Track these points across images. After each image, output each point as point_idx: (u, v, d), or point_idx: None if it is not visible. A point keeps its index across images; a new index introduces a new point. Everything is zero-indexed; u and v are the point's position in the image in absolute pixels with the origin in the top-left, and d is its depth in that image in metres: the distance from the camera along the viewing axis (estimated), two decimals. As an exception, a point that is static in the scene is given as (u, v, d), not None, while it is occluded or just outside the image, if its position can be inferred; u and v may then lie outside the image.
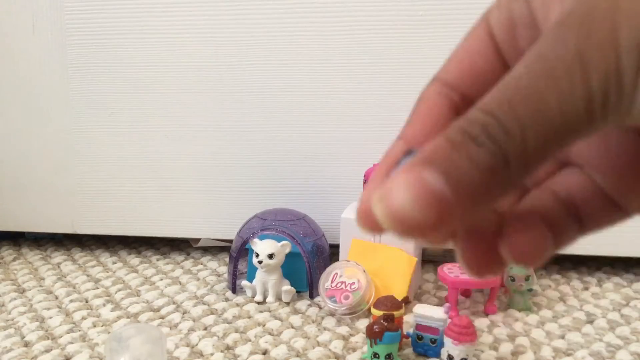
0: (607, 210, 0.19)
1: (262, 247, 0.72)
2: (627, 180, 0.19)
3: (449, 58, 0.20)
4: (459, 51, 0.20)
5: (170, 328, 0.67)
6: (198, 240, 0.94)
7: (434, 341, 0.59)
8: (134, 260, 0.90)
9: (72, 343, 0.63)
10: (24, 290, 0.79)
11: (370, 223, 0.18)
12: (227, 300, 0.75)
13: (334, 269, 0.71)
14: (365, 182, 0.76)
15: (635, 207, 0.19)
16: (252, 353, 0.61)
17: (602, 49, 0.15)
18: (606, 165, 0.19)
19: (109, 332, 0.66)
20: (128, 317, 0.70)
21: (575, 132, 0.15)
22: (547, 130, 0.15)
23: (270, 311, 0.72)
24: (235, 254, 0.77)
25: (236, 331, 0.66)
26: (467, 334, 0.56)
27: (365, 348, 0.61)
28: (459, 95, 0.19)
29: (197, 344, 0.63)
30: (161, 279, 0.82)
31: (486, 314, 0.71)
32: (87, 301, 0.75)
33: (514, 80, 0.15)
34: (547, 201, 0.19)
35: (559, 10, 0.17)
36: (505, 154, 0.15)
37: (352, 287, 0.69)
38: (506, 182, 0.15)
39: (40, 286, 0.80)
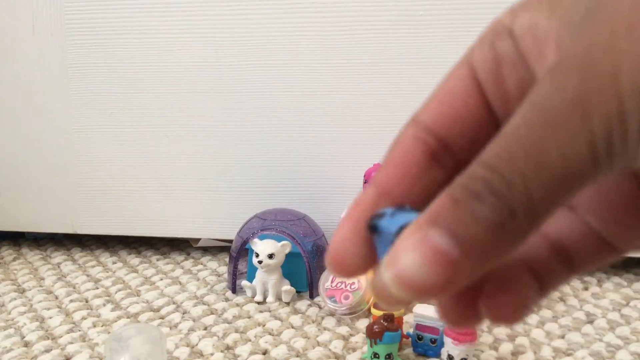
0: (599, 250, 0.19)
1: (262, 247, 0.72)
2: (622, 222, 0.18)
3: (428, 98, 0.19)
4: (439, 92, 0.19)
5: (170, 328, 0.67)
6: (198, 240, 0.94)
7: (434, 341, 0.59)
8: (134, 260, 0.90)
9: (72, 343, 0.63)
10: (24, 290, 0.79)
11: (342, 267, 0.18)
12: (227, 300, 0.75)
13: (334, 269, 0.71)
14: (365, 182, 0.76)
15: (630, 246, 0.19)
16: (252, 353, 0.61)
17: (602, 94, 0.14)
18: (600, 208, 0.18)
19: (109, 332, 0.66)
20: (128, 317, 0.70)
21: (581, 180, 0.15)
22: (552, 181, 0.14)
23: (270, 311, 0.72)
24: (235, 254, 0.77)
25: (236, 331, 0.66)
26: (467, 334, 0.56)
27: (365, 348, 0.61)
28: (435, 140, 0.18)
29: (197, 344, 0.63)
30: (161, 279, 0.82)
31: (486, 314, 0.71)
32: (87, 301, 0.75)
33: (512, 131, 0.15)
34: (534, 247, 0.19)
35: (554, 52, 0.16)
36: (510, 208, 0.15)
37: (352, 287, 0.69)
38: (515, 237, 0.15)
39: (40, 286, 0.80)
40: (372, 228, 0.17)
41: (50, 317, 0.69)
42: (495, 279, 0.17)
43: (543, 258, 0.18)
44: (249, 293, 0.76)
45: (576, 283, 0.81)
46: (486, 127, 0.18)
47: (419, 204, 0.17)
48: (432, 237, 0.15)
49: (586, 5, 0.16)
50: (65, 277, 0.83)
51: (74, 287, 0.79)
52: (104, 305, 0.73)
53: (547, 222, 0.15)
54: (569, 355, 0.61)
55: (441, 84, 0.19)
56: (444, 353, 0.58)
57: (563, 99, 0.14)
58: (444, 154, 0.18)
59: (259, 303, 0.74)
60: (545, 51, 0.17)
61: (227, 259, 0.90)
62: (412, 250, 0.15)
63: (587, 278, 0.83)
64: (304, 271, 0.75)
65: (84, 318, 0.69)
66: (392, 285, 0.15)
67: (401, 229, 0.16)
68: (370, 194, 0.18)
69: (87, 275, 0.84)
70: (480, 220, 0.15)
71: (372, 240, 0.18)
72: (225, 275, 0.83)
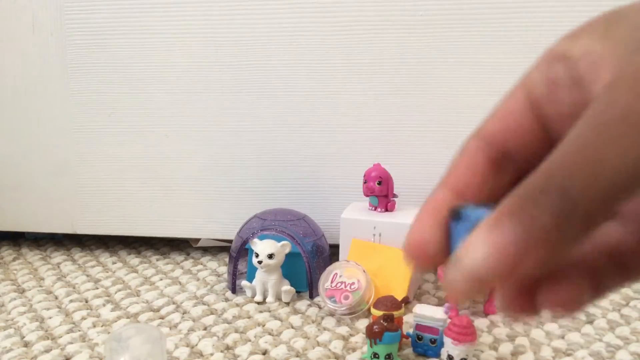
0: None
1: (262, 247, 0.72)
2: None
3: (488, 116, 0.22)
4: (498, 111, 0.21)
5: (170, 328, 0.67)
6: (198, 240, 0.94)
7: (433, 341, 0.59)
8: (133, 260, 0.90)
9: (71, 343, 0.63)
10: (23, 290, 0.79)
11: (421, 255, 0.20)
12: (227, 300, 0.75)
13: (333, 269, 0.71)
14: (365, 182, 0.76)
15: None
16: (252, 353, 0.61)
17: None
18: None
19: (108, 332, 0.66)
20: (128, 317, 0.70)
21: (630, 190, 0.16)
22: (603, 189, 0.16)
23: (270, 311, 0.72)
24: (235, 254, 0.77)
25: (236, 331, 0.66)
26: (467, 334, 0.56)
27: (365, 348, 0.61)
28: (496, 150, 0.21)
29: (197, 344, 0.63)
30: (161, 279, 0.82)
31: (486, 314, 0.71)
32: (87, 301, 0.75)
33: (569, 142, 0.17)
34: (587, 250, 0.20)
35: (609, 73, 0.18)
36: (565, 211, 0.16)
37: (352, 287, 0.69)
38: (570, 237, 0.17)
39: (40, 286, 0.80)
40: (455, 214, 0.20)
41: (50, 317, 0.69)
42: (553, 273, 0.19)
43: (596, 262, 0.20)
44: (248, 293, 0.76)
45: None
46: (541, 143, 0.21)
47: (490, 204, 0.20)
48: (500, 231, 0.17)
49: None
50: (65, 277, 0.83)
51: (74, 287, 0.79)
52: (104, 305, 0.73)
53: (601, 226, 0.17)
54: (568, 355, 0.61)
55: (499, 104, 0.22)
56: (443, 353, 0.58)
57: (615, 112, 0.16)
58: (506, 162, 0.21)
59: (258, 303, 0.74)
60: (600, 73, 0.18)
61: (227, 259, 0.90)
62: (482, 241, 0.17)
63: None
64: (303, 271, 0.75)
65: (83, 318, 0.69)
66: (460, 276, 0.18)
67: (477, 220, 0.18)
68: (443, 193, 0.21)
69: (87, 276, 0.84)
70: (539, 219, 0.17)
71: (449, 232, 0.20)
72: (225, 276, 0.83)
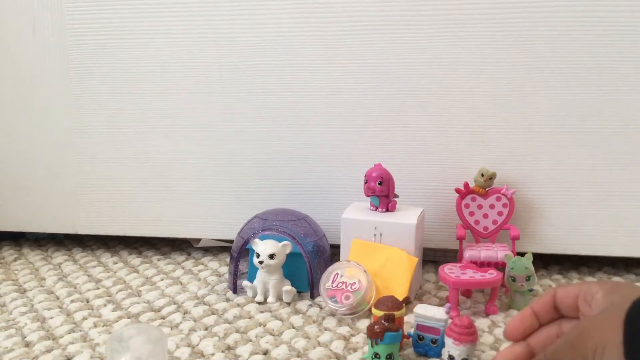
0: None
1: (263, 247, 0.72)
2: None
3: (537, 299, 0.47)
4: (537, 302, 0.46)
5: (171, 328, 0.67)
6: (199, 240, 0.94)
7: (434, 341, 0.59)
8: (134, 260, 0.91)
9: (73, 343, 0.63)
10: (25, 291, 0.79)
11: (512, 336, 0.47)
12: (228, 300, 0.75)
13: (334, 269, 0.71)
14: (366, 182, 0.76)
15: None
16: (252, 353, 0.61)
17: (582, 344, 0.37)
18: None
19: (109, 333, 0.66)
20: (129, 318, 0.70)
21: None
22: None
23: (271, 311, 0.72)
24: (236, 254, 0.77)
25: (237, 331, 0.66)
26: (468, 334, 0.56)
27: (366, 348, 0.61)
28: (539, 319, 0.46)
29: (197, 344, 0.63)
30: (162, 279, 0.82)
31: (487, 314, 0.71)
32: (88, 301, 0.75)
33: (554, 345, 0.40)
34: None
35: (590, 314, 0.41)
36: None
37: (353, 287, 0.69)
38: None
39: (41, 286, 0.80)
40: None
41: (51, 318, 0.70)
42: None
43: None
44: (249, 293, 0.76)
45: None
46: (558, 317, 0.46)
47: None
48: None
49: (603, 308, 0.39)
50: (66, 278, 0.83)
51: (75, 288, 0.80)
52: (105, 305, 0.73)
53: None
54: (569, 355, 0.61)
55: (538, 299, 0.47)
56: (444, 353, 0.58)
57: (569, 339, 0.39)
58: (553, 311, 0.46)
59: (259, 303, 0.74)
60: (593, 309, 0.41)
61: (228, 259, 0.90)
62: None
63: (588, 278, 0.83)
64: (304, 271, 0.75)
65: (84, 318, 0.69)
66: None
67: None
68: (530, 311, 0.47)
69: (88, 276, 0.84)
70: None
71: None
72: (226, 276, 0.83)
